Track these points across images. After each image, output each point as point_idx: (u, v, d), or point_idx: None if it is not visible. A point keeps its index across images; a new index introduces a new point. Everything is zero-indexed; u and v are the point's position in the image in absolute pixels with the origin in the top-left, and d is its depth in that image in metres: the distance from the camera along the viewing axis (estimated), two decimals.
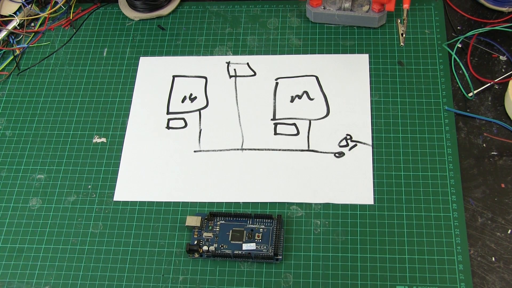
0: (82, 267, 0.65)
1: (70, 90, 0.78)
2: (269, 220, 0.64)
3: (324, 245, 0.63)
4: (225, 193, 0.68)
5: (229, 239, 0.63)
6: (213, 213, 0.65)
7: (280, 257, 0.62)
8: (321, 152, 0.69)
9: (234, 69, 0.77)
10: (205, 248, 0.63)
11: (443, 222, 0.63)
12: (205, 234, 0.64)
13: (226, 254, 0.62)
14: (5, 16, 0.84)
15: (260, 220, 0.64)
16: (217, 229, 0.64)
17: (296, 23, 0.80)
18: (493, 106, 0.71)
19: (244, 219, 0.65)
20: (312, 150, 0.70)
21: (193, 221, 0.64)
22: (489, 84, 0.72)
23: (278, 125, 0.72)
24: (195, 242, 0.64)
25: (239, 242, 0.63)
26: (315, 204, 0.66)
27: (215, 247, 0.63)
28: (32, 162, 0.72)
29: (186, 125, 0.73)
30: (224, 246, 0.63)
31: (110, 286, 0.63)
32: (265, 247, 0.62)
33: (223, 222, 0.65)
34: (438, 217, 0.64)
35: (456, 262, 0.61)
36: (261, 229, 0.64)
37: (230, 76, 0.77)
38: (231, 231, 0.64)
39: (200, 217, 0.65)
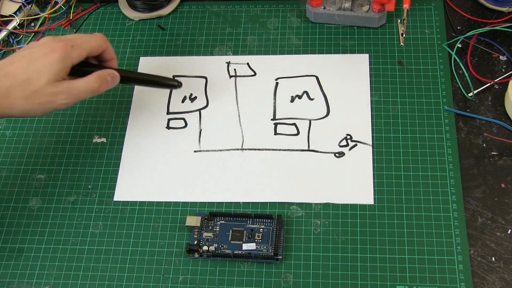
0: (82, 267, 0.65)
1: None
2: (269, 220, 0.64)
3: (324, 245, 0.63)
4: (225, 193, 0.68)
5: (229, 239, 0.63)
6: (213, 213, 0.65)
7: (280, 257, 0.62)
8: (321, 152, 0.69)
9: (234, 69, 0.77)
10: (205, 248, 0.63)
11: (443, 222, 0.63)
12: (205, 234, 0.64)
13: (226, 254, 0.62)
14: (5, 16, 0.84)
15: (260, 220, 0.64)
16: (217, 229, 0.64)
17: (296, 23, 0.80)
18: (493, 106, 0.71)
19: (244, 219, 0.65)
20: (312, 150, 0.70)
21: (193, 221, 0.64)
22: (489, 84, 0.72)
23: (278, 125, 0.72)
24: (195, 242, 0.64)
25: (239, 242, 0.63)
26: (315, 204, 0.66)
27: (215, 247, 0.63)
28: (32, 162, 0.72)
29: (186, 125, 0.73)
30: (224, 246, 0.63)
31: (110, 286, 0.63)
32: (265, 247, 0.62)
33: (223, 222, 0.65)
34: (438, 217, 0.64)
35: (456, 262, 0.61)
36: (261, 229, 0.64)
37: (230, 76, 0.77)
38: (231, 231, 0.64)
39: (200, 217, 0.65)
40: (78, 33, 0.75)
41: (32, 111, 0.61)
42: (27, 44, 0.82)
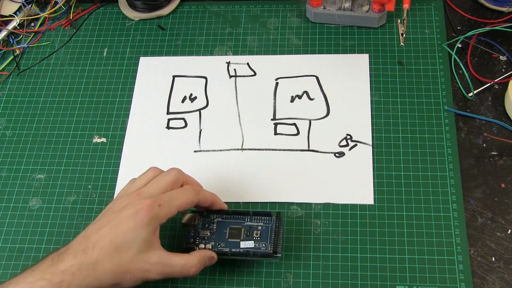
0: None
1: (70, 90, 0.78)
2: (268, 218, 0.63)
3: (324, 245, 0.63)
4: (225, 193, 0.67)
5: (227, 237, 0.62)
6: (210, 210, 0.63)
7: (280, 255, 0.61)
8: (321, 152, 0.69)
9: (234, 69, 0.77)
10: (201, 246, 0.62)
11: (443, 222, 0.63)
12: (201, 232, 0.63)
13: (224, 253, 0.61)
14: (5, 16, 0.84)
15: (258, 217, 0.63)
16: (214, 227, 0.63)
17: (296, 23, 0.80)
18: (493, 106, 0.71)
19: (241, 216, 0.63)
20: (312, 150, 0.70)
21: (189, 218, 0.63)
22: (489, 84, 0.72)
23: (278, 125, 0.72)
24: (191, 240, 0.62)
25: (237, 240, 0.62)
26: (315, 204, 0.66)
27: (212, 245, 0.62)
28: (32, 162, 0.72)
29: (186, 125, 0.73)
30: (222, 245, 0.62)
31: None
32: (263, 244, 0.61)
33: (220, 219, 0.63)
34: (438, 217, 0.64)
35: (456, 262, 0.61)
36: (259, 227, 0.62)
37: (230, 76, 0.77)
38: (228, 228, 0.62)
39: (196, 214, 0.63)
40: (165, 183, 0.59)
41: (121, 284, 0.55)
42: (27, 43, 0.82)
